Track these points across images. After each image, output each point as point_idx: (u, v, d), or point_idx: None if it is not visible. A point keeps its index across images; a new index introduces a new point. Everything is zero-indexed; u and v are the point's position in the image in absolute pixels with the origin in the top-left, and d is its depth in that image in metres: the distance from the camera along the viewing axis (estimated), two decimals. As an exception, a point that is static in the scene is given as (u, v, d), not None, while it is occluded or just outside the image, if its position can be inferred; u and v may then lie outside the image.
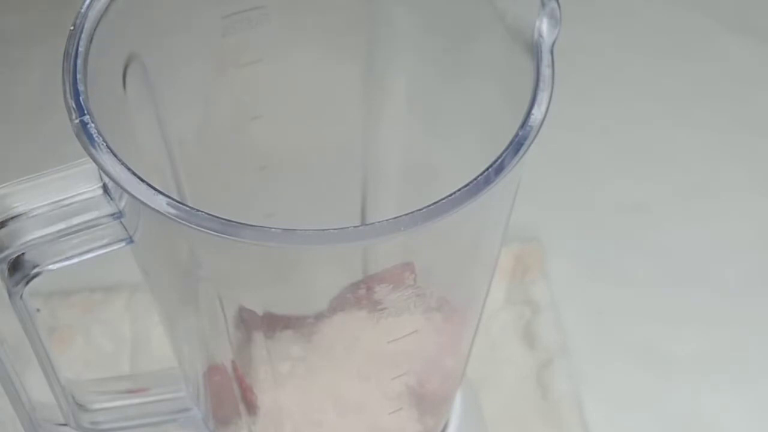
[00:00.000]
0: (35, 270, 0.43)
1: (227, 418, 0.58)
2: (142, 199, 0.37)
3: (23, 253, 0.43)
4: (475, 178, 0.38)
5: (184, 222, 0.37)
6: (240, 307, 0.49)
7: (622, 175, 0.91)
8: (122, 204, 0.41)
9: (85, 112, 0.39)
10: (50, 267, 0.43)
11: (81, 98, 0.39)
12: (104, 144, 0.38)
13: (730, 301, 0.82)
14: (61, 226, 0.41)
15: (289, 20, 0.50)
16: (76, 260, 0.42)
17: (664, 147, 0.93)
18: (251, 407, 0.55)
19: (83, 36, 0.41)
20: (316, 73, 0.44)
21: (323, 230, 0.37)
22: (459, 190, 0.38)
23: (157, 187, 0.37)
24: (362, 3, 0.51)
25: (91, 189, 0.41)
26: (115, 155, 0.38)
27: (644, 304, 0.82)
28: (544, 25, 0.42)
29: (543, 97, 0.41)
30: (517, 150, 0.39)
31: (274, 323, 0.50)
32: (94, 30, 0.42)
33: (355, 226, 0.37)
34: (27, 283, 0.44)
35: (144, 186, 0.37)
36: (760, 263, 0.85)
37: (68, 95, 0.39)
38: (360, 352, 0.52)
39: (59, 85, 0.39)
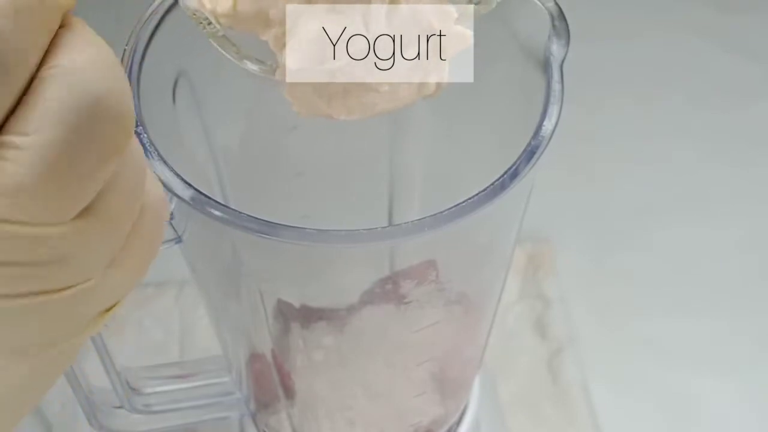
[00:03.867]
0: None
1: (267, 401, 0.58)
2: (189, 202, 0.37)
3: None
4: (492, 184, 0.38)
5: (228, 223, 0.37)
6: (278, 300, 0.49)
7: (627, 181, 0.91)
8: (172, 207, 0.41)
9: (139, 123, 0.39)
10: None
11: (135, 111, 0.39)
12: (156, 152, 0.38)
13: (726, 296, 0.82)
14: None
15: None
16: (130, 258, 0.42)
17: (665, 155, 0.92)
18: (289, 392, 0.55)
19: (136, 54, 0.42)
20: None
21: (354, 231, 0.37)
22: (478, 194, 0.37)
23: (204, 192, 0.37)
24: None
25: (144, 193, 0.41)
26: (165, 163, 0.38)
27: (646, 298, 0.82)
28: (554, 44, 0.42)
29: (554, 110, 0.40)
30: (530, 158, 0.39)
31: (309, 315, 0.50)
32: (146, 49, 0.42)
33: (383, 227, 0.37)
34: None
35: (192, 190, 0.37)
36: (753, 261, 0.84)
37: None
38: (387, 341, 0.51)
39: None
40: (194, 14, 0.37)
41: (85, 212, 0.28)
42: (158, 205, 0.32)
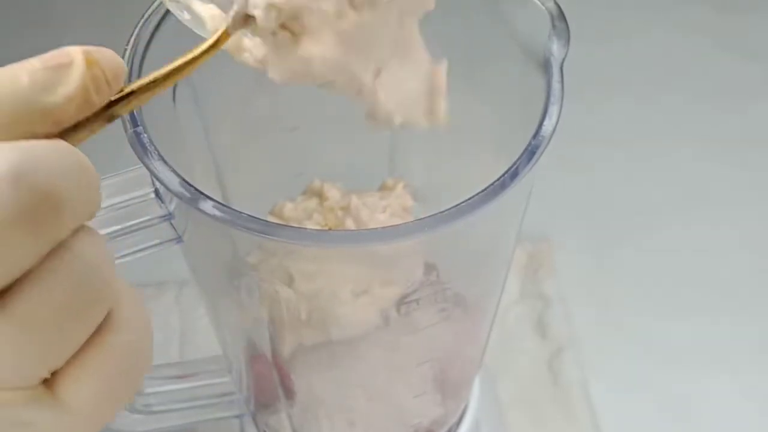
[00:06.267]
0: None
1: (267, 401, 0.58)
2: (190, 202, 0.37)
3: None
4: (492, 183, 0.38)
5: (228, 223, 0.37)
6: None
7: (627, 181, 0.91)
8: (172, 206, 0.41)
9: (139, 123, 0.39)
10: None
11: (134, 111, 0.39)
12: (156, 152, 0.38)
13: (726, 296, 0.82)
14: (117, 227, 0.41)
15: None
16: (130, 258, 0.42)
17: (665, 155, 0.93)
18: (289, 393, 0.55)
19: (136, 54, 0.42)
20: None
21: (354, 231, 0.37)
22: (478, 194, 0.37)
23: (204, 191, 0.37)
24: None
25: (144, 193, 0.41)
26: (165, 162, 0.38)
27: (646, 298, 0.82)
28: (554, 45, 0.42)
29: (554, 110, 0.40)
30: (530, 157, 0.39)
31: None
32: (146, 49, 0.42)
33: (382, 228, 0.37)
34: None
35: (192, 190, 0.37)
36: (754, 261, 0.84)
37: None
38: (388, 341, 0.51)
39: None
40: None
41: None
42: (136, 332, 0.31)
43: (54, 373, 0.29)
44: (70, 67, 0.30)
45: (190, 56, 0.35)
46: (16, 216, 0.26)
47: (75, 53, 0.30)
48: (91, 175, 0.29)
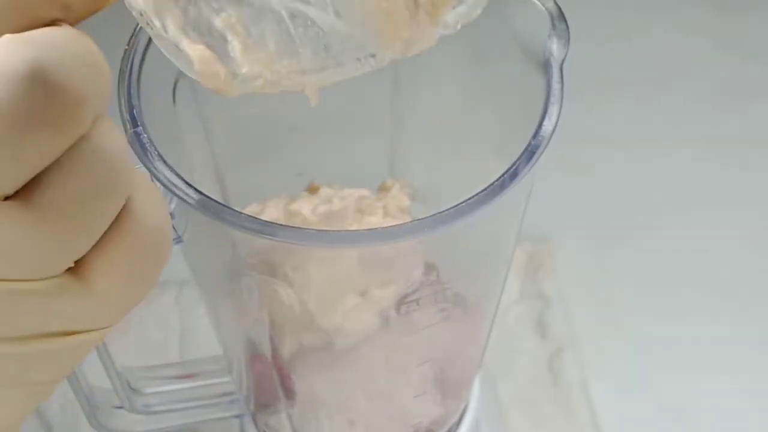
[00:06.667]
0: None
1: (267, 401, 0.58)
2: (189, 202, 0.37)
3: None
4: (492, 183, 0.38)
5: (228, 223, 0.37)
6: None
7: (627, 180, 0.91)
8: (172, 207, 0.41)
9: (138, 123, 0.39)
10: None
11: (135, 111, 0.39)
12: (155, 152, 0.38)
13: (726, 296, 0.82)
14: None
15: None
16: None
17: (665, 154, 0.93)
18: (289, 393, 0.55)
19: (136, 54, 0.42)
20: (349, 90, 0.44)
21: (354, 231, 0.37)
22: (478, 194, 0.37)
23: (204, 191, 0.37)
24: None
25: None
26: (165, 162, 0.38)
27: (645, 298, 0.82)
28: (554, 45, 0.42)
29: (553, 110, 0.40)
30: (530, 158, 0.39)
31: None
32: (146, 49, 0.42)
33: (382, 228, 0.37)
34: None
35: (192, 190, 0.37)
36: (754, 261, 0.84)
37: (123, 109, 0.39)
38: (388, 341, 0.51)
39: (115, 99, 0.40)
40: (140, 15, 0.36)
41: (18, 197, 0.27)
42: (155, 219, 0.32)
43: (78, 262, 0.30)
44: None
45: None
46: (37, 116, 0.25)
47: None
48: (103, 64, 0.28)
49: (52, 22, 0.28)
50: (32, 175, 0.27)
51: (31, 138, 0.26)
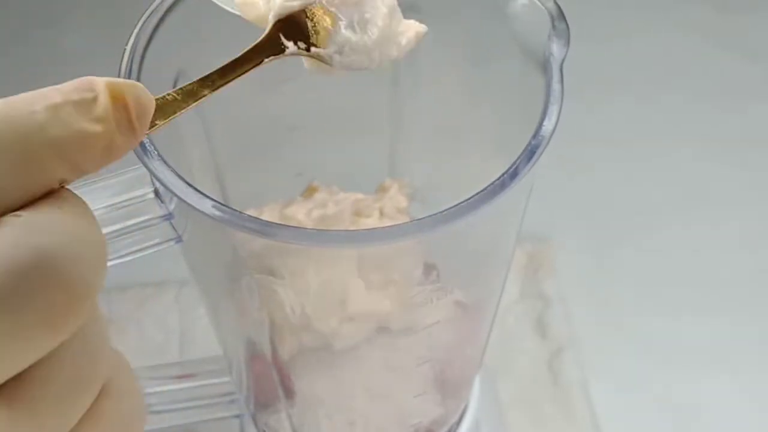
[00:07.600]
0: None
1: (267, 401, 0.58)
2: (189, 202, 0.37)
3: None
4: (492, 183, 0.38)
5: (228, 223, 0.37)
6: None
7: (627, 180, 0.91)
8: (172, 206, 0.41)
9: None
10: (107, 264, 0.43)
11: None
12: (156, 152, 0.38)
13: (726, 296, 0.82)
14: (117, 226, 0.41)
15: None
16: (130, 258, 0.42)
17: (665, 154, 0.93)
18: (289, 393, 0.55)
19: (136, 54, 0.42)
20: (349, 90, 0.44)
21: (353, 231, 0.37)
22: (478, 194, 0.37)
23: (203, 191, 0.37)
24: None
25: (144, 193, 0.41)
26: (165, 162, 0.38)
27: (645, 298, 0.82)
28: (554, 45, 0.42)
29: (553, 110, 0.40)
30: (530, 157, 0.39)
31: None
32: (146, 49, 0.42)
33: (382, 228, 0.37)
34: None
35: (191, 190, 0.37)
36: (754, 261, 0.84)
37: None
38: (388, 341, 0.52)
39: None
40: None
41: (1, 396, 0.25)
42: (131, 399, 0.30)
43: None
44: (93, 103, 0.26)
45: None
46: (37, 317, 0.24)
47: (99, 85, 0.27)
48: (101, 239, 0.27)
49: (59, 183, 0.27)
50: (19, 371, 0.25)
51: (26, 337, 0.24)
